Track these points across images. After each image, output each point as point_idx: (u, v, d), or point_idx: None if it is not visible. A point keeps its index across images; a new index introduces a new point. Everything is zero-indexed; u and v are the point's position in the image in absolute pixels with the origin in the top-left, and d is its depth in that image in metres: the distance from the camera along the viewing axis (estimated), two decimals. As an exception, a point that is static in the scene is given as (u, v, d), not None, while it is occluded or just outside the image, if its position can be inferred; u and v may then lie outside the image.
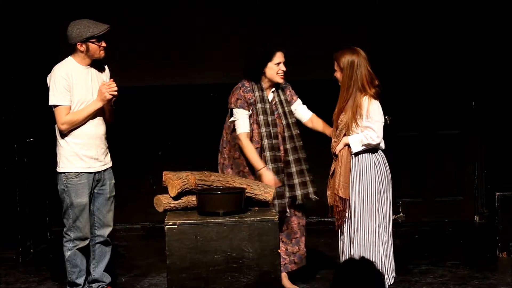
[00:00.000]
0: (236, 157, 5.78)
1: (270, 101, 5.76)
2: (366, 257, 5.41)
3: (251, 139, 5.72)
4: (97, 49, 5.57)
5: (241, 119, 5.71)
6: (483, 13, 7.92)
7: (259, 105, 5.70)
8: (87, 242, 5.72)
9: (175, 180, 5.05)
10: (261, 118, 5.69)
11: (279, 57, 5.69)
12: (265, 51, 5.69)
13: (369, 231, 5.47)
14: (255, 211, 5.06)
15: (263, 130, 5.69)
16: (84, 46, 5.55)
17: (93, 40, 5.53)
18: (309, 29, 7.87)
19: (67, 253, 5.70)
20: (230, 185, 5.21)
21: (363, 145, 5.46)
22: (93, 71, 5.67)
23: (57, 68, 5.62)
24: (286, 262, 5.82)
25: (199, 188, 5.12)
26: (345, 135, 5.50)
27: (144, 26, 7.97)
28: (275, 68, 5.69)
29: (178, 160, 7.83)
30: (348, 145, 5.48)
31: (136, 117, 7.98)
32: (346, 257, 5.52)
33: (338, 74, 5.55)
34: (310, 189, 5.81)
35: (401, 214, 8.16)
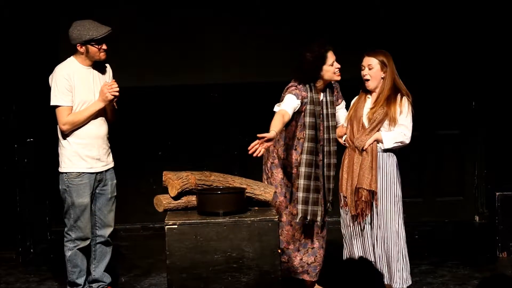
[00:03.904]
0: (284, 157, 5.70)
1: (319, 102, 5.66)
2: (391, 254, 5.45)
3: (296, 137, 5.66)
4: (96, 52, 5.57)
5: (287, 100, 5.51)
6: (483, 14, 7.92)
7: (310, 106, 5.59)
8: (88, 242, 5.72)
9: (175, 180, 5.04)
10: (308, 119, 5.59)
11: (330, 57, 5.59)
12: (317, 56, 5.56)
13: (393, 229, 5.46)
14: (255, 211, 5.06)
15: (307, 132, 5.60)
16: (84, 48, 5.55)
17: (93, 43, 5.53)
18: (309, 30, 7.86)
19: (68, 253, 5.70)
20: (230, 185, 5.20)
21: (395, 143, 5.45)
22: (95, 71, 5.66)
23: (59, 68, 5.61)
24: (299, 271, 5.74)
25: (199, 188, 5.11)
26: (377, 130, 5.46)
27: (144, 26, 7.97)
28: (331, 69, 5.59)
29: (178, 160, 7.84)
30: (378, 140, 5.45)
31: (136, 117, 7.98)
32: (366, 253, 5.48)
33: (373, 72, 5.50)
34: (331, 197, 5.74)
35: (401, 214, 8.17)
